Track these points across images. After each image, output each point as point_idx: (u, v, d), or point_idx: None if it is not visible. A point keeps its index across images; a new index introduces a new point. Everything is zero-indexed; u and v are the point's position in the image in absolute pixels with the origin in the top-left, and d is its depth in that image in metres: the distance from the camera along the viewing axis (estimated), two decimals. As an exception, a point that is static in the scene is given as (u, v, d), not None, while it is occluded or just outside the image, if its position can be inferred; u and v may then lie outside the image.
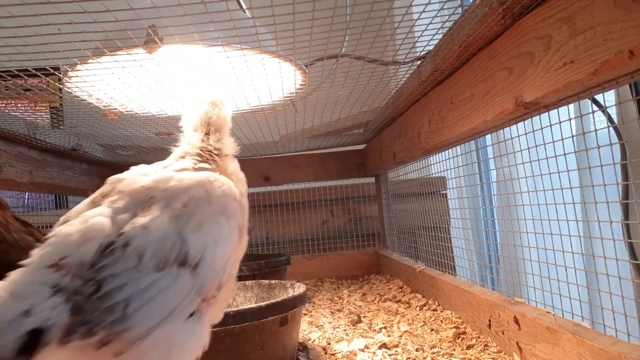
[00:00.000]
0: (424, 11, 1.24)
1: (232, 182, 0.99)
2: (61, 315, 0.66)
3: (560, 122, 1.24)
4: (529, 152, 1.39)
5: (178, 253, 0.79)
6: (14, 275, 0.69)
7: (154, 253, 0.76)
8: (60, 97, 1.93)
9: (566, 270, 1.30)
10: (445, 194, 2.48)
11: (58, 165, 2.42)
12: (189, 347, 0.83)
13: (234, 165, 1.09)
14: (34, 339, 0.64)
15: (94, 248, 0.73)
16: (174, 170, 0.95)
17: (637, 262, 1.36)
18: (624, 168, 1.39)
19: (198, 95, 1.14)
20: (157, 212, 0.81)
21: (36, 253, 0.72)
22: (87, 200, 0.86)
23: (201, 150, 1.04)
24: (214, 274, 0.85)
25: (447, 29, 1.35)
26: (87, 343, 0.69)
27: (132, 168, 0.92)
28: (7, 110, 1.88)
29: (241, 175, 1.09)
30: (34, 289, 0.67)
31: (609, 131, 1.23)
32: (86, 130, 2.27)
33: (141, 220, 0.79)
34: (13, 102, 1.90)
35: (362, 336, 1.69)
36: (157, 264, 0.76)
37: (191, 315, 0.83)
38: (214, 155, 1.05)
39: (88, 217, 0.78)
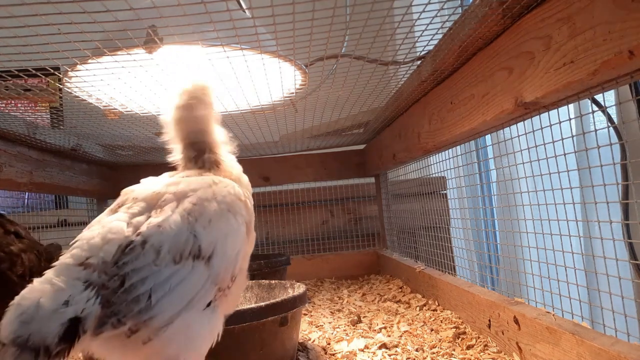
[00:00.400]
0: (424, 11, 1.24)
1: (236, 184, 1.07)
2: (95, 307, 0.74)
3: (560, 122, 1.24)
4: (529, 152, 1.39)
5: (192, 247, 0.87)
6: (50, 272, 0.77)
7: (169, 248, 0.84)
8: (60, 97, 1.93)
9: (566, 270, 1.30)
10: (445, 194, 2.48)
11: (58, 165, 2.42)
12: (206, 335, 0.91)
13: (237, 171, 1.15)
14: (73, 328, 0.71)
15: (114, 248, 0.81)
16: (181, 177, 1.03)
17: (637, 262, 1.36)
18: (624, 168, 1.39)
19: (173, 101, 1.14)
20: (169, 212, 0.89)
21: (65, 255, 0.81)
22: (106, 211, 0.95)
23: (199, 169, 1.09)
24: (227, 264, 0.93)
25: (447, 29, 1.35)
26: (118, 333, 0.77)
27: (142, 180, 1.01)
28: (7, 110, 1.88)
29: (245, 180, 1.16)
30: (70, 283, 0.75)
31: (608, 131, 1.23)
32: (86, 130, 2.27)
33: (155, 220, 0.87)
34: (13, 102, 1.90)
35: (362, 336, 1.69)
36: (174, 257, 0.84)
37: (208, 305, 0.90)
38: (215, 166, 1.10)
39: (107, 222, 0.87)
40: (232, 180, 1.09)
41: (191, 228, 0.88)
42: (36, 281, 0.74)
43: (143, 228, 0.85)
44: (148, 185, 0.97)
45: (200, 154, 1.10)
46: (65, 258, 0.80)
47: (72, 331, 0.71)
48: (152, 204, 0.91)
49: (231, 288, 0.97)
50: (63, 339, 0.69)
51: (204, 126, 1.12)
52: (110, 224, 0.86)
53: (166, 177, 1.04)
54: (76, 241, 0.83)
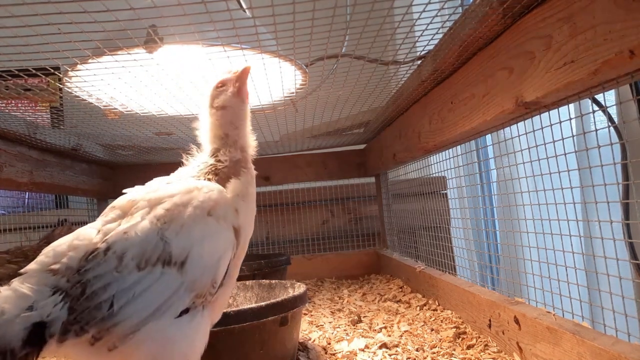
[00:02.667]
0: (424, 11, 1.24)
1: (222, 188, 1.03)
2: (62, 312, 0.75)
3: (560, 122, 1.24)
4: (529, 152, 1.39)
5: (161, 253, 0.85)
6: (17, 279, 0.78)
7: (134, 255, 0.83)
8: (61, 97, 1.93)
9: (566, 270, 1.30)
10: (446, 193, 2.48)
11: (58, 165, 2.42)
12: (186, 342, 0.88)
13: (235, 182, 1.08)
14: (39, 333, 0.72)
15: (80, 254, 0.82)
16: (166, 183, 1.03)
17: (637, 262, 1.36)
18: (625, 168, 1.39)
19: (201, 101, 1.17)
20: (138, 218, 0.89)
21: (33, 262, 0.82)
22: None
23: (205, 171, 1.08)
24: (203, 270, 0.90)
25: (448, 28, 1.35)
26: (82, 340, 0.77)
27: (128, 191, 1.00)
28: (7, 110, 1.88)
29: (239, 189, 1.08)
30: (36, 289, 0.76)
31: (609, 131, 1.23)
32: (86, 130, 2.27)
33: (123, 226, 0.87)
34: (13, 102, 1.90)
35: (363, 336, 1.69)
36: (138, 264, 0.83)
37: (186, 312, 0.88)
38: (216, 169, 1.08)
39: (79, 230, 0.88)
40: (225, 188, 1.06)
41: (161, 234, 0.87)
42: (1, 289, 0.76)
43: (110, 234, 0.85)
44: (130, 194, 0.97)
45: (231, 156, 1.08)
46: (32, 264, 0.81)
47: (39, 335, 0.72)
48: (126, 211, 0.92)
49: (216, 295, 0.95)
50: (28, 342, 0.70)
51: (240, 122, 1.11)
52: (80, 231, 0.87)
53: (150, 183, 1.03)
54: (47, 248, 0.85)
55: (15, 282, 0.77)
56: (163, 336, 0.84)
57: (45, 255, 0.82)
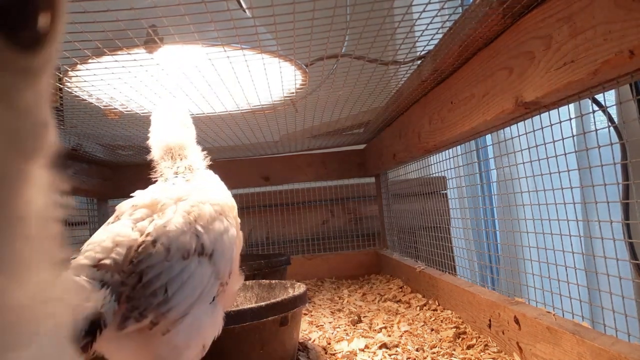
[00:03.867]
0: (424, 11, 1.24)
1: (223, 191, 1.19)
2: (112, 304, 0.80)
3: (560, 122, 1.24)
4: (529, 152, 1.39)
5: (196, 245, 0.95)
6: (68, 272, 0.82)
7: (178, 246, 0.91)
8: (61, 97, 1.93)
9: (566, 270, 1.30)
10: (446, 193, 2.48)
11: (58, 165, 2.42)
12: (212, 327, 0.99)
13: (212, 183, 1.23)
14: (96, 323, 0.76)
15: (124, 250, 0.88)
16: (172, 184, 1.15)
17: (637, 262, 1.36)
18: (625, 168, 1.39)
19: (159, 121, 1.37)
20: (170, 214, 0.97)
21: (79, 257, 0.87)
22: (106, 223, 1.01)
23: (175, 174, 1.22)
24: (225, 260, 1.02)
25: (447, 28, 1.35)
26: (140, 326, 0.83)
27: (133, 194, 1.08)
28: (7, 110, 1.87)
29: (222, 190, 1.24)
30: (88, 282, 0.81)
31: (609, 131, 1.23)
32: (86, 130, 2.27)
33: (160, 221, 0.95)
34: (13, 102, 1.90)
35: (362, 336, 1.69)
36: (182, 254, 0.91)
37: (212, 300, 0.98)
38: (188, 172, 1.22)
39: (113, 228, 0.94)
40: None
41: (193, 227, 0.96)
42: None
43: (150, 229, 0.92)
44: (145, 194, 1.05)
45: (177, 167, 1.24)
46: (80, 260, 0.86)
47: (95, 326, 0.76)
48: (153, 209, 0.99)
49: (229, 284, 1.05)
50: (88, 332, 0.74)
51: (183, 143, 1.29)
52: (118, 229, 0.93)
53: (155, 187, 1.15)
54: (88, 245, 0.90)
55: (66, 275, 0.80)
56: (199, 321, 0.93)
57: (94, 250, 0.87)
